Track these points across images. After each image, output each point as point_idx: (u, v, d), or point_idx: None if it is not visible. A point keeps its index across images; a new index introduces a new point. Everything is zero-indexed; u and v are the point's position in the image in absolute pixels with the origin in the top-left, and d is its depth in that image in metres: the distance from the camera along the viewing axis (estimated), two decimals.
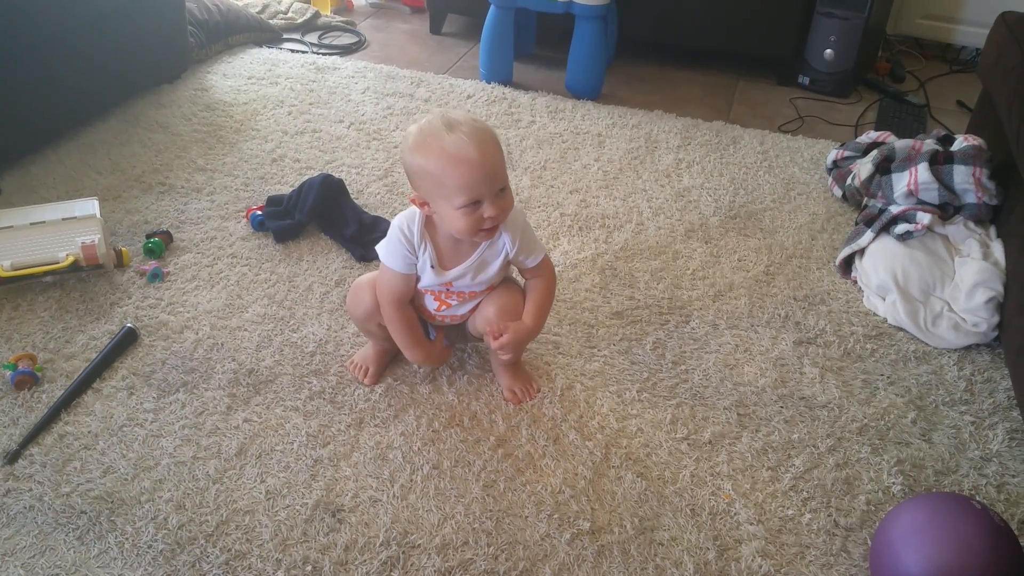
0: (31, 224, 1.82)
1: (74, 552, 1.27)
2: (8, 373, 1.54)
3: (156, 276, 1.82)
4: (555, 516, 1.34)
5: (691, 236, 2.04)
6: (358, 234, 1.94)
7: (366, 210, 2.06)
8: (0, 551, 1.27)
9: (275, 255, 1.92)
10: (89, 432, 1.47)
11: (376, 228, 1.96)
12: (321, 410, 1.52)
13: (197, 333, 1.68)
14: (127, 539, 1.29)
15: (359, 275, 1.84)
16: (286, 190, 2.12)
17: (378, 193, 2.17)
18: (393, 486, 1.38)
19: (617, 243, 2.00)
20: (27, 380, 1.54)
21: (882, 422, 1.54)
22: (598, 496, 1.38)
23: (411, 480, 1.40)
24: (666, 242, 2.01)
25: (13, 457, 1.41)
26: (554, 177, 2.27)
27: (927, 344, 1.73)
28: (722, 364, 1.66)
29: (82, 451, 1.43)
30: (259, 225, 1.99)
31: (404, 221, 1.45)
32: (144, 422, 1.48)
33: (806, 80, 2.91)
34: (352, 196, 2.10)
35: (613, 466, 1.43)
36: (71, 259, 1.74)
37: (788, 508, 1.37)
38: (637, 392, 1.58)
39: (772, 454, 1.47)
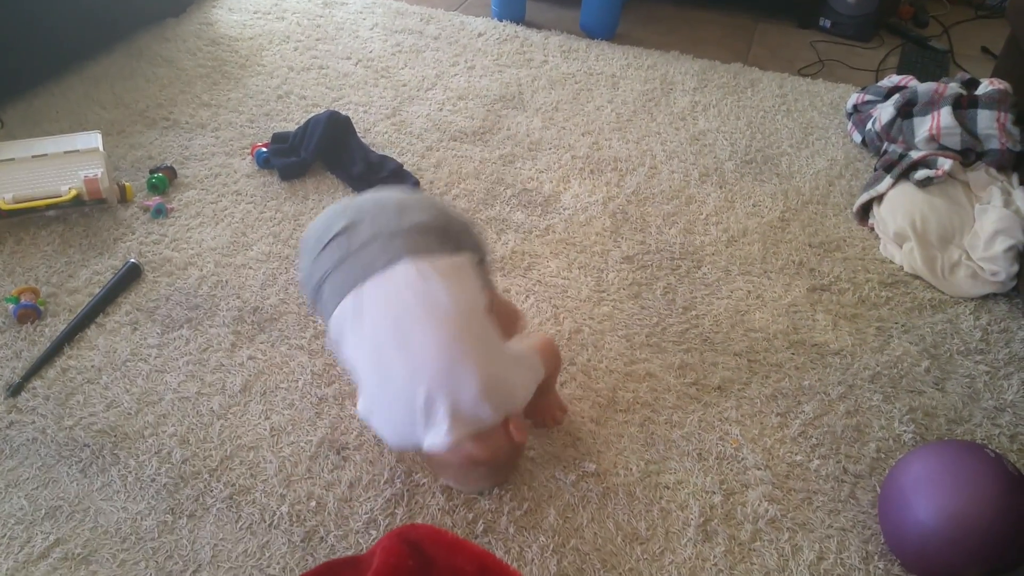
0: (33, 157, 1.78)
1: (77, 484, 1.27)
2: (11, 306, 1.53)
3: (160, 212, 1.79)
4: (560, 458, 1.33)
5: (705, 180, 1.99)
6: (365, 173, 1.90)
7: (373, 149, 2.02)
8: (4, 482, 1.27)
9: (280, 193, 1.89)
10: (92, 366, 1.45)
11: (383, 167, 1.92)
12: (326, 349, 1.50)
13: (201, 270, 1.65)
14: (130, 472, 1.29)
15: None
16: (292, 127, 2.08)
17: (385, 132, 2.13)
18: None
19: (629, 187, 1.95)
20: (30, 313, 1.52)
21: (895, 370, 1.51)
22: (604, 439, 1.37)
23: None
24: (680, 186, 1.96)
25: (16, 390, 1.41)
26: (566, 119, 2.21)
27: (943, 293, 1.69)
28: (733, 310, 1.63)
29: (85, 385, 1.42)
30: (264, 162, 1.95)
31: None
32: (148, 357, 1.47)
33: (827, 23, 2.82)
34: (359, 134, 2.06)
35: (620, 410, 1.42)
36: (74, 193, 1.71)
37: (796, 454, 1.36)
38: (646, 337, 1.56)
39: (782, 400, 1.45)
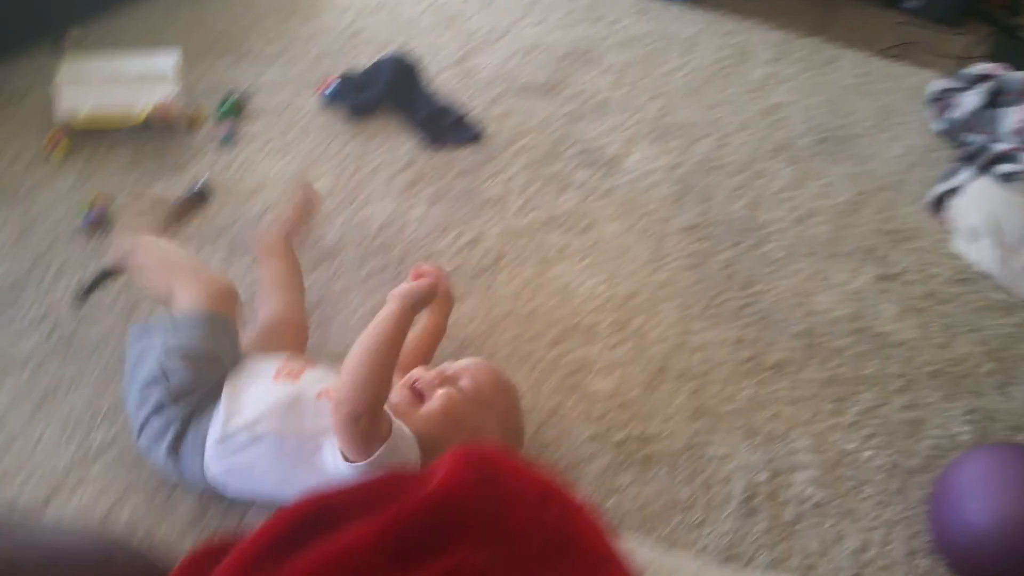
0: (108, 76, 1.80)
1: None
2: (83, 214, 1.56)
3: (229, 139, 1.79)
4: (605, 419, 1.33)
5: (776, 156, 1.94)
6: (429, 119, 1.88)
7: (439, 95, 2.00)
8: (69, 381, 1.31)
9: (346, 131, 1.88)
10: None
11: (447, 115, 1.90)
12: (381, 289, 1.50)
13: (266, 200, 1.66)
14: None
15: (428, 159, 1.81)
16: (360, 67, 2.06)
17: (452, 79, 2.10)
18: None
19: (696, 155, 1.91)
20: (101, 223, 1.55)
21: (957, 369, 1.47)
22: (652, 406, 1.35)
23: None
24: (749, 159, 1.92)
25: (85, 294, 1.43)
26: (636, 80, 2.16)
27: (1014, 296, 1.63)
28: (795, 291, 1.59)
29: (148, 298, 1.44)
30: (332, 100, 1.94)
31: None
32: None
33: (915, 4, 2.71)
34: (426, 80, 2.04)
35: (670, 378, 1.40)
36: (145, 115, 1.72)
37: (849, 442, 1.33)
38: (702, 309, 1.53)
39: (838, 387, 1.42)
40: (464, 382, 1.14)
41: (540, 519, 0.61)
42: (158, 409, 1.11)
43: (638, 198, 1.77)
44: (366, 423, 0.98)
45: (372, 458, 0.97)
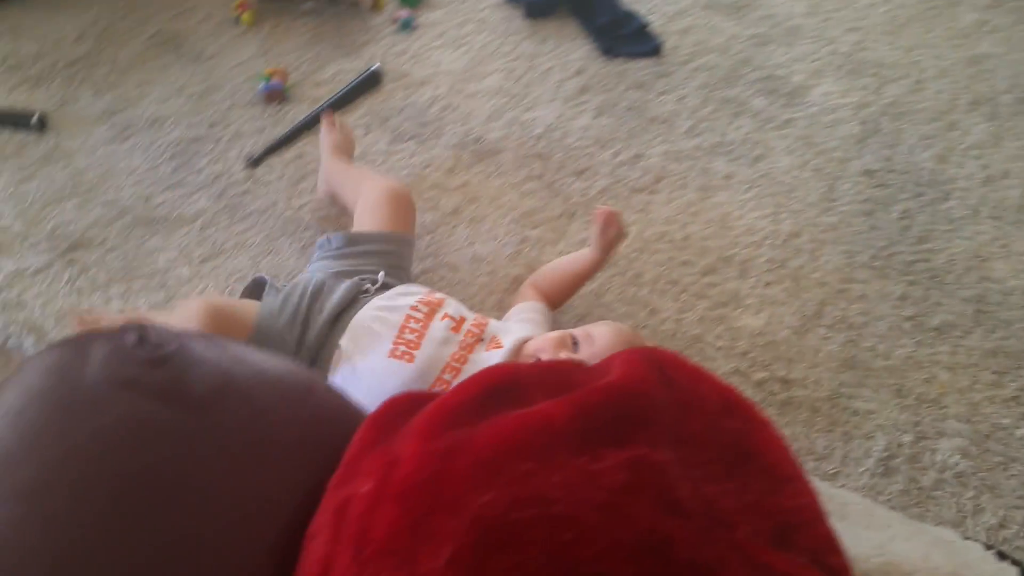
0: None
1: (295, 260, 1.37)
2: (261, 84, 1.63)
3: (407, 26, 1.82)
4: (748, 356, 1.30)
5: (974, 109, 1.78)
6: (609, 26, 1.83)
7: (620, 2, 1.94)
8: (233, 242, 1.39)
9: (521, 30, 1.86)
10: None
11: (628, 23, 1.84)
12: (537, 193, 1.51)
13: (435, 90, 1.68)
14: None
15: (600, 68, 1.77)
16: None
17: None
18: (592, 283, 1.37)
19: (887, 97, 1.78)
20: (277, 95, 1.62)
21: None
22: (799, 350, 1.31)
23: (609, 283, 1.38)
24: (944, 109, 1.77)
25: (256, 162, 1.51)
26: (833, 9, 2.02)
27: None
28: (972, 254, 1.48)
29: (315, 173, 1.50)
30: None
31: None
32: (375, 161, 1.53)
33: None
34: None
35: (824, 324, 1.35)
36: None
37: (1004, 417, 1.25)
38: (870, 258, 1.45)
39: (1003, 359, 1.32)
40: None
41: (720, 427, 0.60)
42: None
43: (818, 134, 1.67)
44: None
45: None
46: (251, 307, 1.11)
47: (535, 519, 0.50)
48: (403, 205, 1.30)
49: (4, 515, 0.46)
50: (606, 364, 0.65)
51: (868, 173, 1.61)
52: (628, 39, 1.81)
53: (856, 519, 0.76)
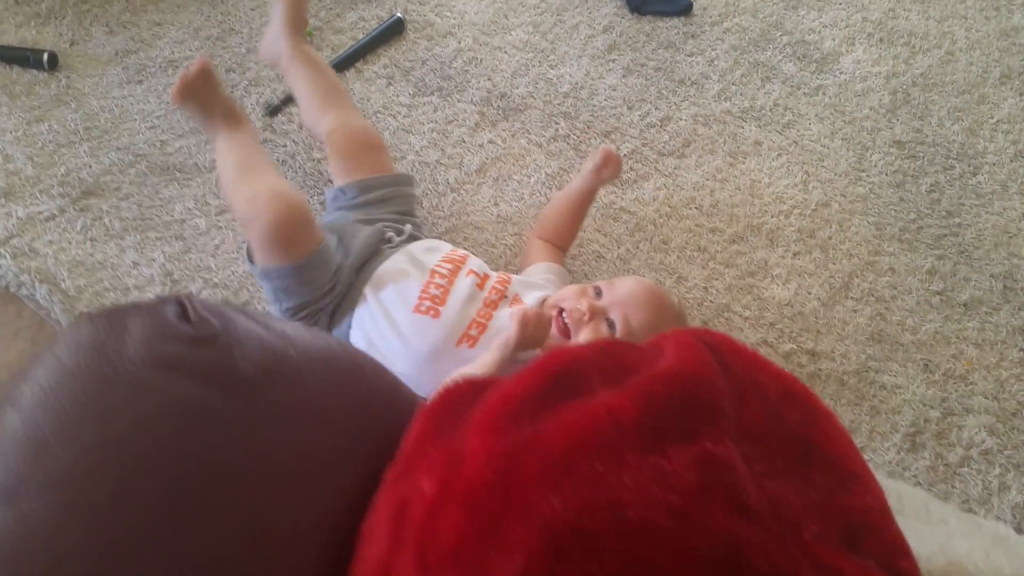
0: None
1: (315, 214, 1.33)
2: None
3: None
4: (776, 327, 1.27)
5: (1005, 83, 1.74)
6: None
7: None
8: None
9: None
10: None
11: None
12: (564, 154, 1.46)
13: (460, 42, 1.62)
14: None
15: (628, 26, 1.71)
16: None
17: None
18: (619, 248, 1.34)
19: (918, 67, 1.73)
20: None
21: None
22: (827, 322, 1.29)
23: (636, 249, 1.35)
24: (975, 81, 1.72)
25: (274, 111, 1.45)
26: None
27: None
28: (1002, 230, 1.46)
29: None
30: None
31: None
32: (397, 115, 1.48)
33: None
34: None
35: (852, 297, 1.32)
36: None
37: None
38: (899, 231, 1.42)
39: None
40: (614, 314, 1.03)
41: (781, 418, 0.57)
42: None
43: (848, 102, 1.62)
44: None
45: None
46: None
47: (608, 526, 0.47)
48: (379, 144, 1.27)
49: (38, 507, 0.41)
50: (656, 345, 0.61)
51: (898, 144, 1.57)
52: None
53: (913, 513, 0.74)
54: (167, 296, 0.50)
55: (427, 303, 1.03)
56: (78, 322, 0.48)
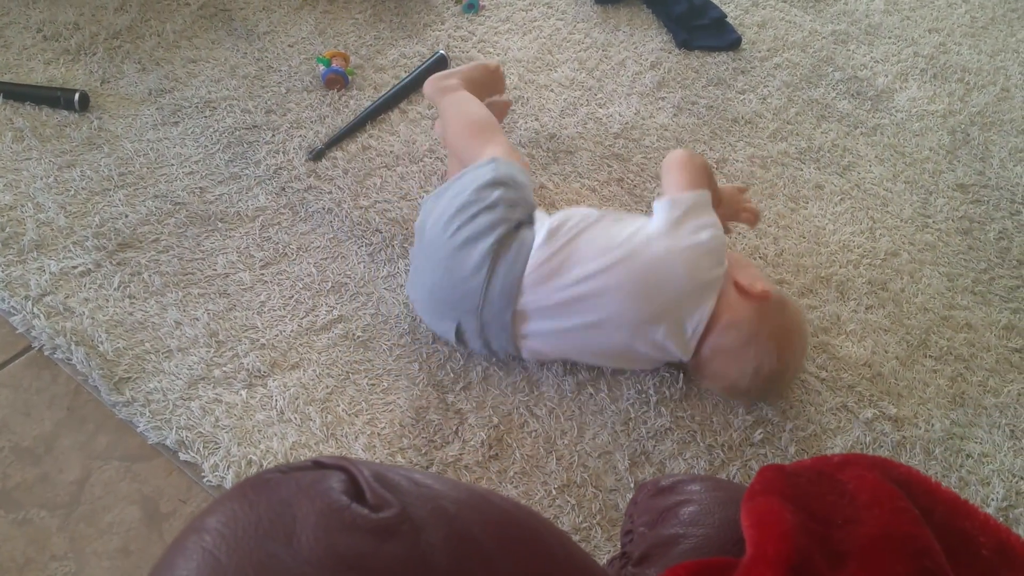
0: None
1: (364, 267, 1.22)
2: (321, 68, 1.46)
3: (472, 7, 1.64)
4: (855, 390, 1.17)
5: None
6: (686, 16, 1.66)
7: None
8: (296, 245, 1.23)
9: (592, 16, 1.69)
10: (391, 152, 1.37)
11: (706, 12, 1.67)
12: (618, 198, 1.36)
13: (505, 80, 1.52)
14: None
15: (677, 62, 1.62)
16: None
17: None
18: None
19: (975, 105, 1.64)
20: (338, 80, 1.44)
21: None
22: (908, 383, 1.19)
23: None
24: None
25: (318, 155, 1.35)
26: (912, 8, 1.85)
27: None
28: None
29: (383, 169, 1.35)
30: None
31: None
32: (444, 158, 1.38)
33: None
34: None
35: (931, 355, 1.22)
36: None
37: None
38: (971, 282, 1.33)
39: None
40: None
41: None
42: (493, 206, 1.03)
43: (907, 142, 1.53)
44: None
45: None
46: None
47: None
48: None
49: None
50: (838, 482, 0.51)
51: (961, 187, 1.47)
52: (706, 30, 1.64)
53: None
54: (326, 459, 0.39)
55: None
56: (228, 502, 0.37)
